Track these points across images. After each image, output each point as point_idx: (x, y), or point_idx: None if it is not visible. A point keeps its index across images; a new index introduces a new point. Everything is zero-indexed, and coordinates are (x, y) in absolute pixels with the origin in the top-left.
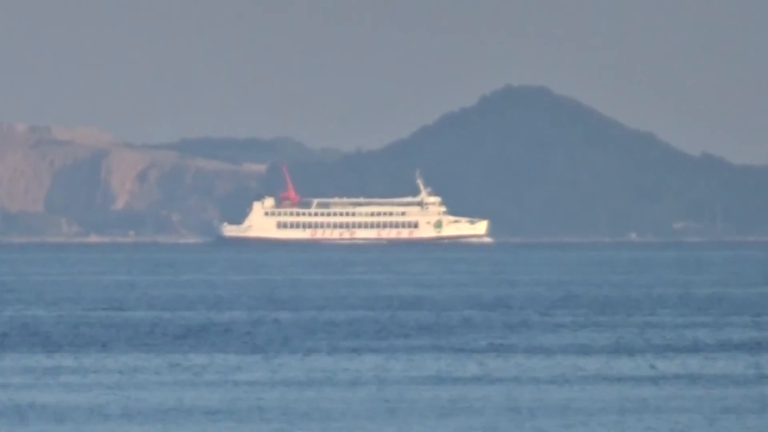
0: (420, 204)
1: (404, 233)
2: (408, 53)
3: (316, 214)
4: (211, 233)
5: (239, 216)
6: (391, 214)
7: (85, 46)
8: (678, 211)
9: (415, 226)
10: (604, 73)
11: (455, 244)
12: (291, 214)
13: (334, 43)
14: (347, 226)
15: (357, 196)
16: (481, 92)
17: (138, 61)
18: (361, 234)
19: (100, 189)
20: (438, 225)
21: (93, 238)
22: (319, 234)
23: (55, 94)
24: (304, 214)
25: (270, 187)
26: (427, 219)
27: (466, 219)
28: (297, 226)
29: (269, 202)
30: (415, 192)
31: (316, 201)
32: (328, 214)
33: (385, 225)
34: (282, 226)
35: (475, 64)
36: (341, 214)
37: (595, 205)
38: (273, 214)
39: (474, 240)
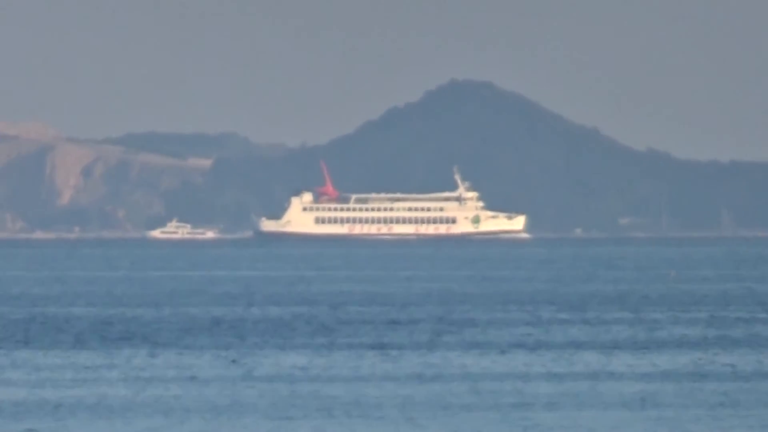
0: (458, 199)
1: (442, 229)
2: (352, 48)
3: (354, 209)
4: (249, 228)
5: (274, 209)
6: (429, 209)
7: (29, 41)
8: (623, 207)
9: (453, 221)
10: (548, 67)
11: (492, 239)
12: (329, 209)
13: (279, 38)
14: (385, 221)
15: (395, 192)
16: (425, 87)
17: (82, 56)
18: (399, 229)
19: (45, 184)
20: (476, 220)
21: (38, 234)
22: (357, 229)
23: None
24: (342, 209)
25: (217, 181)
26: (465, 214)
27: (504, 214)
28: (335, 221)
29: (307, 197)
30: (453, 187)
31: (354, 196)
32: (366, 209)
33: (423, 220)
34: (320, 221)
35: (419, 59)
36: (379, 210)
37: (540, 200)
38: (311, 209)
39: (511, 235)
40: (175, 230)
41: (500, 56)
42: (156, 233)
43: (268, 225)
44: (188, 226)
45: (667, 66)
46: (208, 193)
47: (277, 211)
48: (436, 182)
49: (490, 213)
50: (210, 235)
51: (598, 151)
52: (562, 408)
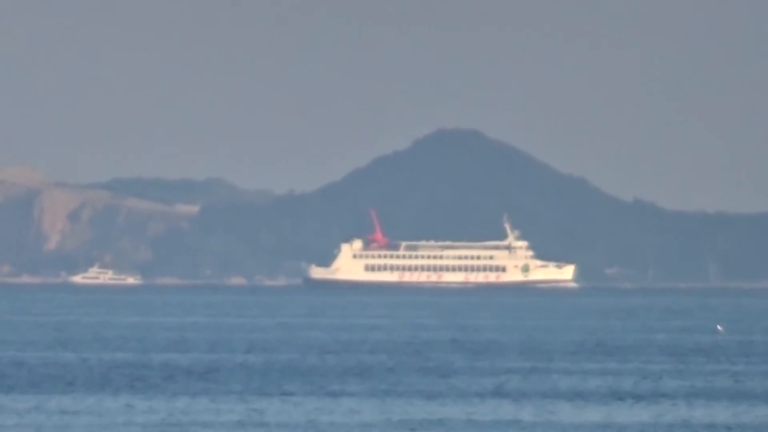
0: (508, 248)
1: (491, 277)
2: (341, 96)
3: (404, 257)
4: (299, 275)
5: (325, 259)
6: (478, 257)
7: (16, 85)
8: (610, 257)
9: (503, 270)
10: (536, 116)
11: (542, 288)
12: (379, 256)
13: (266, 84)
14: (435, 269)
15: (444, 240)
16: (413, 135)
17: (70, 101)
18: (449, 277)
19: (33, 229)
20: (525, 269)
21: (25, 279)
22: (407, 277)
23: None
24: (392, 256)
25: (204, 227)
26: (515, 263)
27: (554, 263)
28: (385, 268)
29: (357, 244)
30: (503, 236)
31: (404, 244)
32: (416, 257)
33: (472, 269)
34: (370, 268)
35: (407, 107)
36: (429, 257)
37: None
38: (361, 256)
39: (560, 285)
40: (97, 276)
41: (488, 105)
42: (78, 278)
43: (317, 272)
44: (110, 272)
45: (655, 117)
46: (195, 240)
47: (267, 258)
48: (422, 229)
49: (539, 262)
50: (131, 281)
51: (585, 201)
52: None
